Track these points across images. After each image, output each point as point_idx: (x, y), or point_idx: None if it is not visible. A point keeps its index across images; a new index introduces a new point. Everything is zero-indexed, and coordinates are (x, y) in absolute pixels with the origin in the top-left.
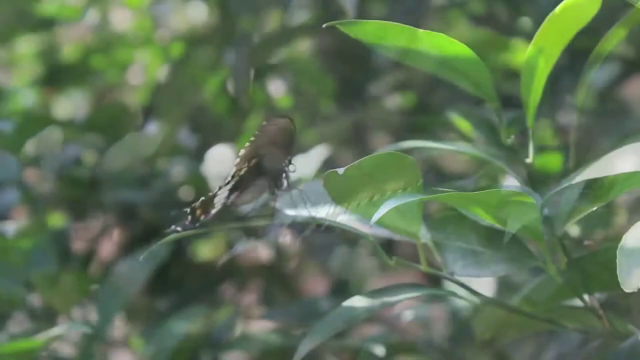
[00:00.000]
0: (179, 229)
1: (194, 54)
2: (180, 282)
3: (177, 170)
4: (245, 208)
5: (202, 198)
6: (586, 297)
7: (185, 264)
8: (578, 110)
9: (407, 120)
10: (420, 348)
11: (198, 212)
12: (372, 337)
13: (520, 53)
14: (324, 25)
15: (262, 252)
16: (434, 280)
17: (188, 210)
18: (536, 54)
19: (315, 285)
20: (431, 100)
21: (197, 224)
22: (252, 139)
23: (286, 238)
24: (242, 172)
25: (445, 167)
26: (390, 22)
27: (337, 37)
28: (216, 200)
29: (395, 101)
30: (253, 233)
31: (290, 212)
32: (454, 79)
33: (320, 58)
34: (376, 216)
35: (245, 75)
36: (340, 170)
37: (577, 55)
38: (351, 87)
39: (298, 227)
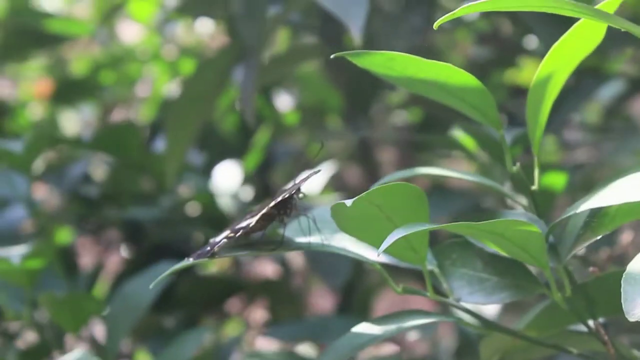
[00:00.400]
0: (191, 259)
1: (202, 72)
2: (186, 298)
3: (185, 186)
4: (255, 235)
5: (225, 235)
6: (591, 322)
7: (192, 279)
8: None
9: (414, 138)
10: None
11: (216, 248)
12: (377, 358)
13: (526, 71)
14: (332, 56)
15: (269, 268)
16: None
17: (207, 247)
18: (542, 82)
19: (322, 301)
20: (438, 116)
21: (212, 256)
22: (286, 192)
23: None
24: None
25: (451, 182)
26: (398, 53)
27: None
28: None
29: (401, 117)
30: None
31: (299, 238)
32: (460, 108)
33: (327, 73)
34: (383, 246)
35: (253, 94)
36: (348, 202)
37: (582, 73)
38: (358, 102)
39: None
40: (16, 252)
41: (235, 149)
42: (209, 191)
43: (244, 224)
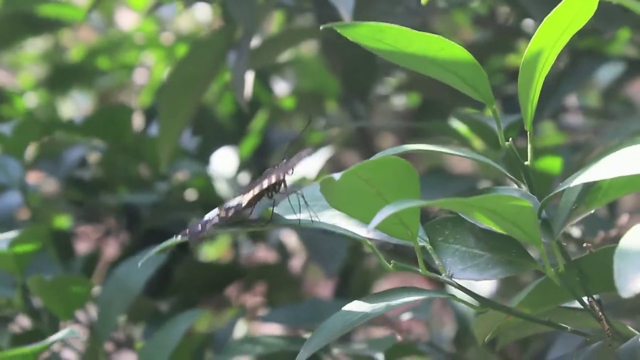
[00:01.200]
0: (180, 237)
1: (195, 54)
2: (184, 284)
3: (181, 172)
4: (244, 213)
5: (216, 214)
6: (585, 299)
7: (189, 265)
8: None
9: (410, 125)
10: (423, 349)
11: (208, 227)
12: (371, 341)
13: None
14: (321, 27)
15: (268, 254)
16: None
17: (198, 225)
18: (533, 57)
19: (321, 286)
20: (436, 100)
21: (203, 234)
22: (278, 167)
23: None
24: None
25: (450, 168)
26: (387, 24)
27: (340, 37)
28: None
29: (400, 101)
30: (255, 234)
31: (289, 215)
32: (451, 82)
33: (324, 57)
34: (374, 223)
35: (245, 77)
36: (337, 176)
37: (578, 55)
38: (355, 87)
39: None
40: (4, 238)
41: (232, 135)
42: (206, 176)
43: (234, 202)
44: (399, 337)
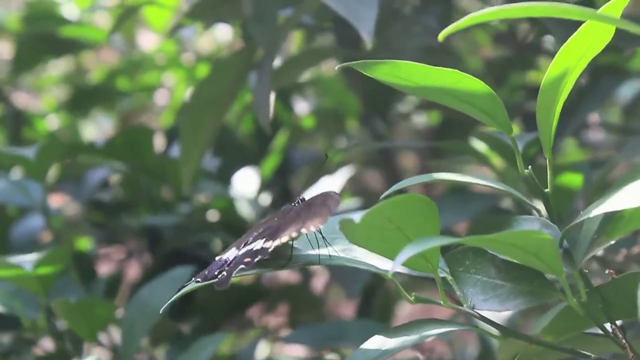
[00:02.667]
0: (199, 280)
1: (216, 75)
2: (206, 305)
3: (202, 193)
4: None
5: (239, 259)
6: (608, 325)
7: (212, 286)
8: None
9: (432, 144)
10: None
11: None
12: None
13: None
14: (336, 67)
15: (290, 275)
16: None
17: (215, 267)
18: (551, 85)
19: (343, 307)
20: (457, 118)
21: (229, 280)
22: (298, 206)
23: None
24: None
25: (470, 186)
26: (404, 62)
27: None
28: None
29: (420, 119)
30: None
31: (308, 250)
32: (469, 112)
33: (344, 76)
34: (398, 262)
35: (267, 98)
36: (357, 218)
37: (599, 72)
38: (376, 105)
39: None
40: (29, 259)
41: (253, 155)
42: (228, 197)
43: (257, 246)
44: (421, 357)
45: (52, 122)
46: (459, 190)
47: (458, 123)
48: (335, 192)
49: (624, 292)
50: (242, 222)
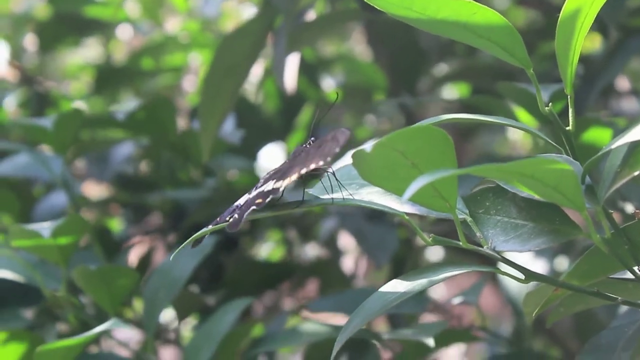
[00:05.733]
0: (212, 225)
1: (233, 41)
2: (235, 281)
3: (228, 169)
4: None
5: (252, 200)
6: (636, 268)
7: (241, 263)
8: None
9: (462, 100)
10: (480, 336)
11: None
12: (422, 326)
13: None
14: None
15: (319, 251)
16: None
17: (233, 211)
18: (571, 15)
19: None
20: (486, 89)
21: (241, 221)
22: (310, 147)
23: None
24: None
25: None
26: None
27: (384, 26)
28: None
29: (449, 92)
30: (307, 232)
31: (323, 195)
32: (485, 48)
33: (370, 49)
34: (408, 193)
35: (284, 60)
36: (368, 148)
37: (628, 34)
38: (403, 78)
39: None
40: (47, 226)
41: (279, 130)
42: (253, 172)
43: (269, 186)
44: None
45: (80, 107)
46: (486, 157)
47: (487, 93)
48: (345, 128)
49: None
50: None
